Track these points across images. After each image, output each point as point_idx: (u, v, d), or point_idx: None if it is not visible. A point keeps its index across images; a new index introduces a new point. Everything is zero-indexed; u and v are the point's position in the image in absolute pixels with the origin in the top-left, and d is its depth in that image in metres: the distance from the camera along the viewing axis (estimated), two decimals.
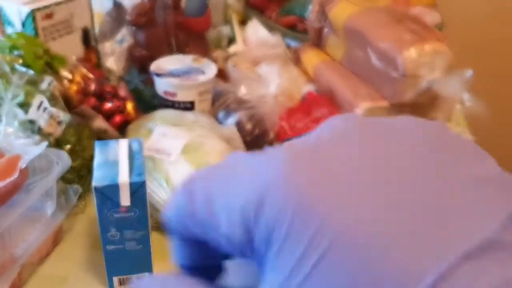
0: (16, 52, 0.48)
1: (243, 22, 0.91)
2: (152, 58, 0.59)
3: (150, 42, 0.61)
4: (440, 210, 0.11)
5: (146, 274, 0.42)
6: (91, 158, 0.47)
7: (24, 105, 0.45)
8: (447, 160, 0.12)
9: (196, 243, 0.15)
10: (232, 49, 0.77)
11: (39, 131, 0.44)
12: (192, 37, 0.65)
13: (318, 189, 0.12)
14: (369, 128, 0.13)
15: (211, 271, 0.16)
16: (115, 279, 0.41)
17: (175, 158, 0.46)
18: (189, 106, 0.56)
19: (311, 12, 0.68)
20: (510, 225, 0.11)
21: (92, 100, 0.52)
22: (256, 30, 0.81)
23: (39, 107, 0.45)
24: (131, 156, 0.40)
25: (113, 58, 0.63)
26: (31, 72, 0.48)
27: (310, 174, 0.12)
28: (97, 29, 0.61)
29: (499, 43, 1.30)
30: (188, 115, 0.52)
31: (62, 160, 0.41)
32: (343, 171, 0.12)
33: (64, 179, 0.46)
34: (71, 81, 0.51)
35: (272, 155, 0.13)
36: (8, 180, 0.36)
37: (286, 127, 0.58)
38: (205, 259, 0.15)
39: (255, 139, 0.56)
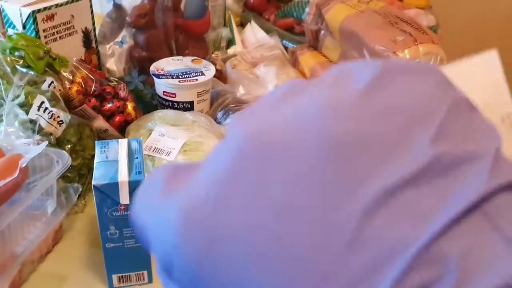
0: (17, 53, 0.49)
1: (241, 24, 0.92)
2: (152, 59, 0.59)
3: (150, 44, 0.61)
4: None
5: (145, 272, 0.42)
6: (91, 157, 0.48)
7: (25, 106, 0.45)
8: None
9: None
10: (231, 50, 0.78)
11: (40, 131, 0.45)
12: (192, 39, 0.66)
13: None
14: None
15: None
16: (115, 277, 0.42)
17: (174, 157, 0.47)
18: (188, 107, 0.57)
19: (308, 14, 0.69)
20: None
21: (93, 101, 0.53)
22: (254, 32, 0.82)
23: (39, 107, 0.46)
24: (131, 155, 0.40)
25: (113, 59, 0.64)
26: (32, 72, 0.48)
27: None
28: (97, 31, 0.62)
29: (493, 45, 1.31)
30: (187, 115, 0.52)
31: (62, 159, 0.42)
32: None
33: (64, 178, 0.46)
34: (71, 81, 0.52)
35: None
36: (8, 179, 0.36)
37: None
38: None
39: None
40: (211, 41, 0.70)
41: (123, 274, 0.42)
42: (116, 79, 0.57)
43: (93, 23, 0.61)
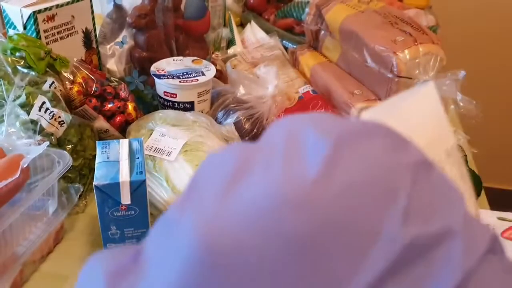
0: (18, 54, 0.49)
1: (241, 25, 0.92)
2: (152, 59, 0.60)
3: (150, 44, 0.61)
4: None
5: None
6: (92, 157, 0.48)
7: (26, 106, 0.45)
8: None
9: None
10: (231, 50, 0.78)
11: (41, 131, 0.45)
12: (192, 39, 0.66)
13: None
14: None
15: None
16: None
17: (174, 157, 0.47)
18: (188, 107, 0.57)
19: (308, 14, 0.69)
20: None
21: (93, 101, 0.53)
22: (254, 32, 0.82)
23: (40, 107, 0.46)
24: (132, 155, 0.41)
25: (113, 60, 0.64)
26: (33, 73, 0.48)
27: None
28: (98, 31, 0.62)
29: (493, 44, 1.31)
30: (188, 115, 0.53)
31: (64, 160, 0.42)
32: None
33: (65, 178, 0.46)
34: (72, 82, 0.52)
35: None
36: (10, 179, 0.36)
37: None
38: None
39: (253, 138, 0.57)
40: (211, 41, 0.70)
41: None
42: (117, 80, 0.57)
43: (94, 24, 0.61)
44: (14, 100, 0.46)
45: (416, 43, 0.55)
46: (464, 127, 0.65)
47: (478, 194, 0.52)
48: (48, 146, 0.41)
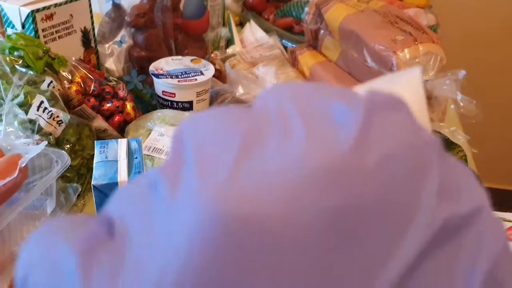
0: (16, 53, 0.49)
1: (240, 24, 0.92)
2: (151, 59, 0.59)
3: (149, 43, 0.61)
4: None
5: None
6: (91, 157, 0.48)
7: (24, 105, 0.45)
8: None
9: None
10: (230, 50, 0.78)
11: (39, 130, 0.45)
12: (191, 38, 0.66)
13: None
14: None
15: None
16: None
17: None
18: (187, 106, 0.57)
19: (307, 14, 0.69)
20: None
21: (92, 100, 0.53)
22: (253, 32, 0.82)
23: (39, 107, 0.46)
24: (130, 155, 0.40)
25: (112, 59, 0.64)
26: (31, 72, 0.48)
27: None
28: (96, 30, 0.62)
29: (493, 44, 1.31)
30: (186, 115, 0.52)
31: (62, 159, 0.42)
32: None
33: (63, 177, 0.46)
34: (71, 81, 0.52)
35: None
36: (8, 179, 0.36)
37: None
38: None
39: None
40: (210, 40, 0.70)
41: None
42: (115, 79, 0.57)
43: (92, 23, 0.61)
44: (12, 100, 0.46)
45: (416, 43, 0.54)
46: (464, 127, 0.64)
47: None
48: (46, 145, 0.41)
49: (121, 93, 0.55)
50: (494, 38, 1.31)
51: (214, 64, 0.63)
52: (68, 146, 0.47)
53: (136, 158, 0.40)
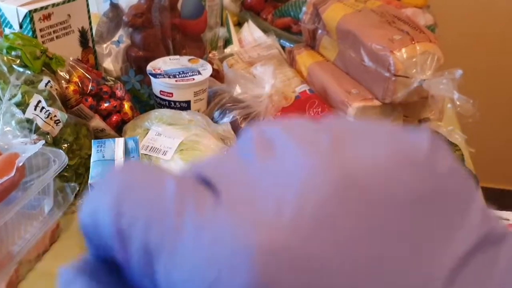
0: (14, 53, 0.49)
1: (239, 24, 0.92)
2: (149, 58, 0.60)
3: (147, 43, 0.61)
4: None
5: None
6: (88, 156, 0.48)
7: (22, 105, 0.45)
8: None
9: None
10: (228, 50, 0.78)
11: (37, 130, 0.45)
12: (189, 38, 0.66)
13: None
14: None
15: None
16: None
17: (170, 156, 0.47)
18: (185, 106, 0.57)
19: (305, 13, 0.69)
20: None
21: (89, 100, 0.53)
22: (251, 32, 0.82)
23: (36, 106, 0.46)
24: (127, 154, 0.41)
25: (110, 59, 0.64)
26: (28, 72, 0.48)
27: None
28: (94, 30, 0.62)
29: (491, 44, 1.32)
30: (184, 114, 0.53)
31: (59, 158, 0.42)
32: None
33: (61, 177, 0.46)
34: (68, 81, 0.52)
35: None
36: (5, 178, 0.37)
37: None
38: None
39: None
40: (208, 40, 0.70)
41: None
42: (113, 79, 0.57)
43: (90, 23, 0.61)
44: (10, 99, 0.46)
45: (413, 42, 0.55)
46: (461, 126, 0.65)
47: None
48: (44, 145, 0.41)
49: (119, 92, 0.55)
50: (492, 38, 1.31)
51: (212, 64, 0.63)
52: (65, 145, 0.47)
53: (133, 157, 0.40)
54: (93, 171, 0.38)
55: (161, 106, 0.57)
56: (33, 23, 0.53)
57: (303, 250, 0.12)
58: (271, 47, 0.72)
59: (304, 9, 0.70)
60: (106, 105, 0.54)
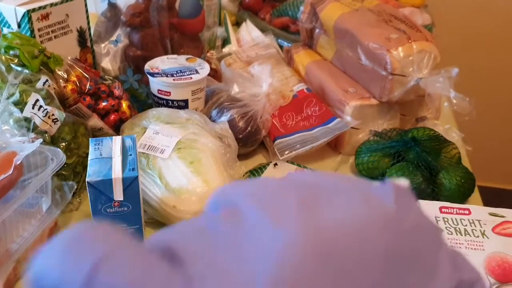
0: (12, 52, 0.49)
1: (237, 24, 0.92)
2: (147, 58, 0.60)
3: (145, 43, 0.62)
4: None
5: None
6: (86, 155, 0.48)
7: (20, 104, 0.46)
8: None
9: None
10: (226, 49, 0.78)
11: (35, 129, 0.45)
12: (187, 37, 0.66)
13: None
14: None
15: None
16: None
17: (168, 155, 0.47)
18: (182, 105, 0.57)
19: (303, 13, 0.69)
20: None
21: (87, 99, 0.53)
22: (249, 31, 0.82)
23: (34, 105, 0.46)
24: (125, 152, 0.41)
25: (108, 58, 0.64)
26: (26, 71, 0.48)
27: None
28: (92, 30, 0.62)
29: (488, 43, 1.32)
30: (181, 113, 0.53)
31: (57, 157, 0.42)
32: None
33: (59, 176, 0.46)
34: (66, 80, 0.52)
35: None
36: (3, 176, 0.37)
37: (277, 125, 0.59)
38: None
39: (247, 136, 0.57)
40: (206, 40, 0.70)
41: None
42: (111, 78, 0.57)
43: (88, 22, 0.61)
44: (7, 98, 0.46)
45: (410, 41, 0.55)
46: (458, 125, 0.65)
47: (471, 192, 0.52)
48: (41, 143, 0.41)
49: (117, 92, 0.56)
50: (489, 37, 1.32)
51: (210, 63, 0.63)
52: (63, 144, 0.47)
53: (131, 155, 0.41)
54: (90, 169, 0.39)
55: (159, 105, 0.58)
56: (31, 23, 0.54)
57: None
58: (269, 47, 0.73)
59: (301, 8, 0.70)
60: (104, 104, 0.54)
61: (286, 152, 0.56)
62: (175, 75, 0.56)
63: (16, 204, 0.39)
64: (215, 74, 0.67)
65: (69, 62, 0.54)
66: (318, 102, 0.61)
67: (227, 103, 0.58)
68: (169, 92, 0.56)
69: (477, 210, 0.42)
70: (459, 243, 0.39)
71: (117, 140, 0.42)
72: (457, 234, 0.40)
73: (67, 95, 0.52)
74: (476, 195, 0.53)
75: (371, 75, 0.58)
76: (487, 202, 0.52)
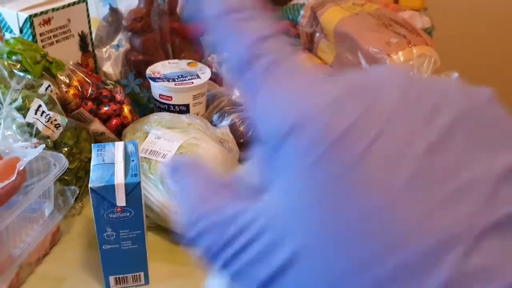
0: (14, 57, 0.49)
1: None
2: (148, 62, 0.60)
3: (146, 47, 0.62)
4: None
5: (142, 273, 0.43)
6: (88, 160, 0.48)
7: (23, 109, 0.46)
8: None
9: None
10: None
11: (37, 134, 0.45)
12: (188, 42, 0.66)
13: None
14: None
15: None
16: (111, 278, 0.42)
17: (170, 159, 0.48)
18: (184, 109, 0.57)
19: (303, 17, 0.70)
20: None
21: (89, 104, 0.53)
22: None
23: (37, 110, 0.46)
24: (127, 158, 0.41)
25: (110, 63, 0.65)
26: (29, 76, 0.49)
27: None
28: (94, 34, 0.63)
29: (488, 47, 1.32)
30: (183, 118, 0.53)
31: (60, 162, 0.43)
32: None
33: (61, 180, 0.47)
34: (68, 85, 0.52)
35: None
36: (6, 182, 0.37)
37: None
38: None
39: (248, 141, 0.57)
40: (207, 44, 0.70)
41: (120, 276, 0.42)
42: (113, 83, 0.58)
43: (90, 27, 0.61)
44: (10, 104, 0.46)
45: (410, 45, 0.55)
46: None
47: None
48: (44, 149, 0.42)
49: (119, 96, 0.56)
50: (489, 41, 1.32)
51: (211, 67, 0.64)
52: (66, 149, 0.48)
53: (133, 160, 0.41)
54: (93, 175, 0.39)
55: (160, 109, 0.58)
56: (33, 28, 0.54)
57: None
58: None
59: (302, 12, 0.71)
60: (105, 108, 0.54)
61: None
62: (176, 80, 0.56)
63: (19, 210, 0.39)
64: (216, 78, 0.67)
65: (71, 67, 0.54)
66: None
67: (228, 107, 0.58)
68: (171, 97, 0.56)
69: None
70: None
71: (119, 145, 0.42)
72: None
73: (69, 100, 0.52)
74: None
75: None
76: None
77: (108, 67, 0.64)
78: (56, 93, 0.50)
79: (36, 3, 0.55)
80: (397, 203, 0.12)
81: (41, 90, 0.49)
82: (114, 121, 0.55)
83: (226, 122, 0.57)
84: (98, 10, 0.63)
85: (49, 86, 0.49)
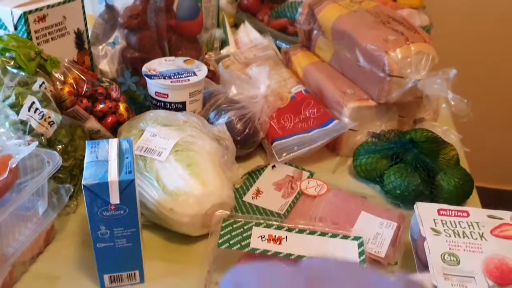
0: (8, 54, 0.49)
1: (235, 25, 0.92)
2: (144, 60, 0.60)
3: (142, 44, 0.61)
4: None
5: (137, 272, 0.42)
6: (83, 158, 0.48)
7: (16, 106, 0.45)
8: None
9: None
10: (224, 51, 0.78)
11: (31, 131, 0.45)
12: (185, 39, 0.66)
13: None
14: None
15: None
16: (106, 277, 0.42)
17: (165, 157, 0.47)
18: (180, 107, 0.57)
19: (301, 14, 0.69)
20: None
21: (85, 101, 0.53)
22: (248, 33, 0.82)
23: (30, 108, 0.46)
24: (121, 155, 0.40)
25: (106, 60, 0.64)
26: (23, 73, 0.48)
27: None
28: (90, 32, 0.62)
29: (486, 44, 1.32)
30: (179, 115, 0.53)
31: (53, 160, 0.42)
32: None
33: (56, 178, 0.46)
34: (63, 82, 0.52)
35: None
36: None
37: (275, 127, 0.59)
38: None
39: (245, 138, 0.57)
40: (204, 42, 0.70)
41: (115, 274, 0.42)
42: (108, 80, 0.57)
43: (86, 24, 0.61)
44: (3, 101, 0.46)
45: (407, 42, 0.55)
46: (456, 126, 0.65)
47: (469, 193, 0.52)
48: (38, 146, 0.41)
49: (114, 94, 0.55)
50: (487, 39, 1.32)
51: (208, 65, 0.63)
52: (60, 147, 0.47)
53: (127, 158, 0.40)
54: (86, 172, 0.38)
55: (156, 107, 0.57)
56: (28, 25, 0.53)
57: None
58: (267, 48, 0.73)
59: (300, 10, 0.70)
60: (101, 106, 0.54)
61: (284, 154, 0.56)
62: (172, 77, 0.56)
63: (12, 208, 0.38)
64: (213, 76, 0.66)
65: (66, 64, 0.53)
66: (316, 104, 0.61)
67: (225, 105, 0.58)
68: (167, 94, 0.56)
69: (475, 212, 0.42)
70: (458, 246, 0.39)
71: (113, 142, 0.41)
72: (455, 237, 0.40)
73: (64, 97, 0.51)
74: (474, 197, 0.53)
75: (369, 77, 0.57)
76: (484, 203, 0.52)
77: (104, 65, 0.64)
78: (51, 91, 0.50)
79: (31, 0, 0.55)
80: None
81: (35, 87, 0.48)
82: (110, 118, 0.55)
83: (223, 120, 0.56)
84: (94, 7, 0.63)
85: (43, 83, 0.49)
